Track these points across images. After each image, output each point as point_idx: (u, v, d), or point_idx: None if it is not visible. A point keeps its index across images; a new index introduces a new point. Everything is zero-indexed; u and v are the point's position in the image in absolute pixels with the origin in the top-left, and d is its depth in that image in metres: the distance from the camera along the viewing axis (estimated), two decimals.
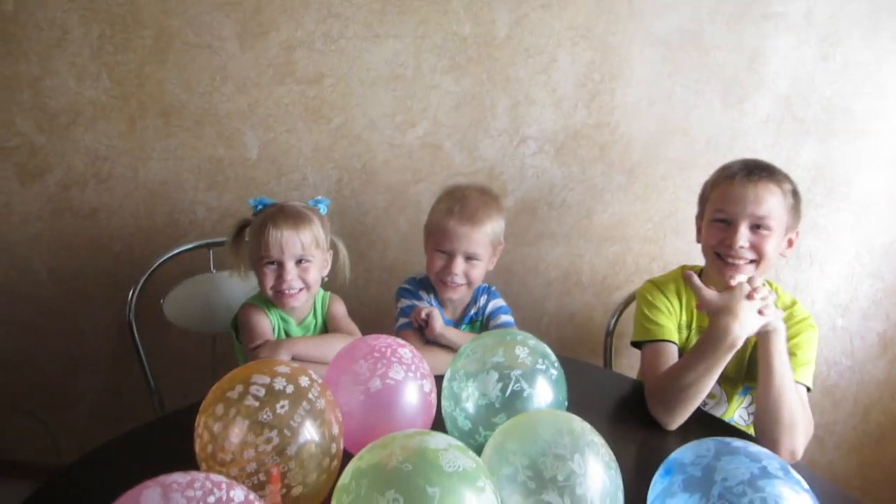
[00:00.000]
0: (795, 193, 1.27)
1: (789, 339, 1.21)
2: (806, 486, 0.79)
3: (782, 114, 1.64)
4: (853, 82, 1.61)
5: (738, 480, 0.77)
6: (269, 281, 1.28)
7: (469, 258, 1.36)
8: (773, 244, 1.23)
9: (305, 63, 1.62)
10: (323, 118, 1.65)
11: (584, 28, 1.60)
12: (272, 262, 1.28)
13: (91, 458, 1.01)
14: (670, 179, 1.69)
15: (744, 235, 1.23)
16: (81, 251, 1.78)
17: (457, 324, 1.46)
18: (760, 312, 1.13)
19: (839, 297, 1.80)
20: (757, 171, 1.25)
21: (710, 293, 1.17)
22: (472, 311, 1.46)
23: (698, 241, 1.37)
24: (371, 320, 1.79)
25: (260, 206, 1.33)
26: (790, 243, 1.29)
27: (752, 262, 1.24)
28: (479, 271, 1.38)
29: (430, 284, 1.45)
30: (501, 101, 1.64)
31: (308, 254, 1.29)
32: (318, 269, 1.32)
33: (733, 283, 1.18)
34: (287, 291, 1.28)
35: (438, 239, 1.36)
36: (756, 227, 1.23)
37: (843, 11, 1.57)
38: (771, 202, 1.23)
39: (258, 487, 0.81)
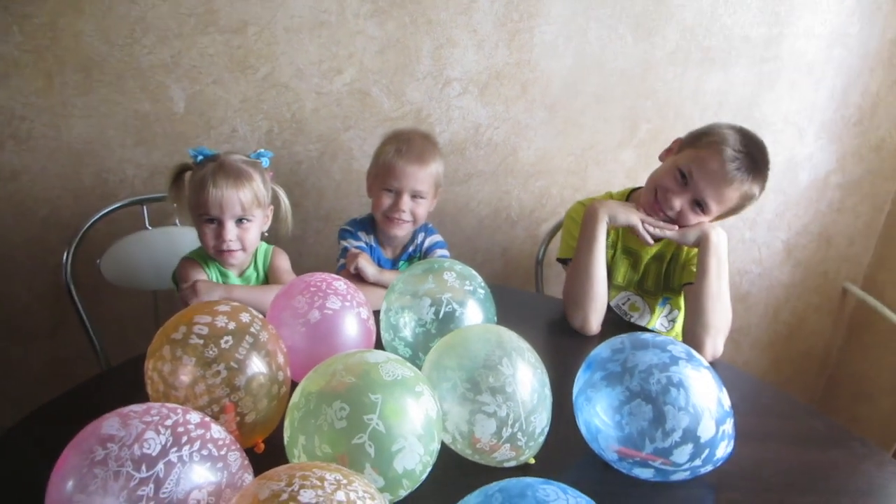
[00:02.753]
0: (754, 198, 1.31)
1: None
2: (706, 364, 0.91)
3: (688, 45, 1.74)
4: (751, 11, 1.72)
5: (647, 365, 0.88)
6: (209, 239, 1.28)
7: (415, 196, 1.43)
8: (697, 220, 1.32)
9: (228, 11, 1.60)
10: (249, 68, 1.65)
11: None
12: (212, 220, 1.27)
13: (41, 413, 1.02)
14: (588, 113, 1.78)
15: (682, 200, 1.30)
16: (6, 217, 1.72)
17: (396, 261, 1.53)
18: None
19: (746, 212, 1.94)
20: (745, 160, 1.26)
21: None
22: (411, 249, 1.53)
23: (661, 158, 1.41)
24: (310, 269, 1.80)
25: (200, 157, 1.30)
26: (714, 219, 1.36)
27: (672, 221, 1.33)
28: (423, 209, 1.46)
29: (371, 225, 1.51)
30: (425, 44, 1.67)
31: (248, 213, 1.28)
32: (258, 227, 1.32)
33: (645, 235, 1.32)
34: (226, 250, 1.29)
35: (386, 178, 1.42)
36: (698, 203, 1.30)
37: None
38: (727, 197, 1.28)
39: (213, 420, 0.87)
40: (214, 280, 1.35)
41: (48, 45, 1.57)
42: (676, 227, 1.31)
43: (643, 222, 1.32)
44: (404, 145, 1.41)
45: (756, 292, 2.08)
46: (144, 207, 1.57)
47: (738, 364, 2.16)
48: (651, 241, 1.33)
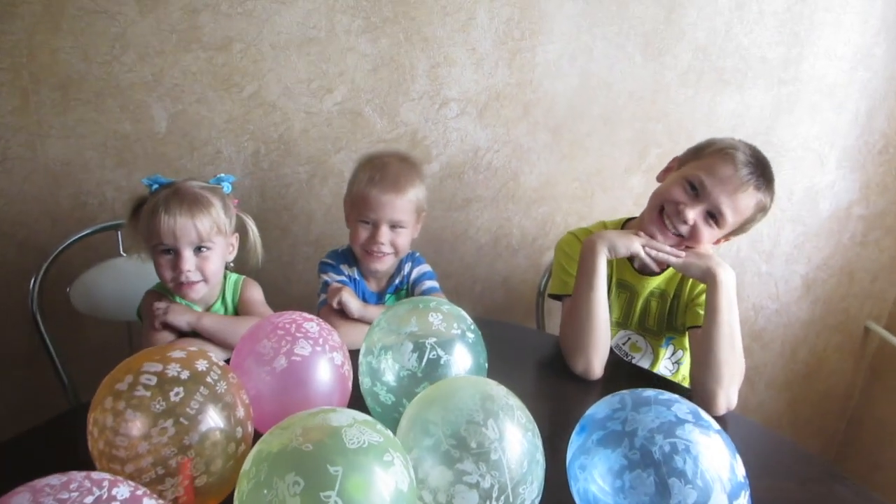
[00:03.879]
0: (764, 211, 1.23)
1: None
2: (717, 427, 0.80)
3: (701, 65, 1.64)
4: (768, 30, 1.62)
5: (649, 429, 0.77)
6: (165, 271, 1.18)
7: (394, 226, 1.32)
8: (711, 236, 1.22)
9: (212, 28, 1.52)
10: (234, 86, 1.57)
11: None
12: (168, 251, 1.18)
13: None
14: (595, 136, 1.68)
15: (697, 212, 1.20)
16: None
17: (381, 294, 1.43)
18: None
19: (763, 244, 1.85)
20: (755, 169, 1.18)
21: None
22: (397, 281, 1.42)
23: (659, 179, 1.32)
24: (300, 297, 1.74)
25: (155, 186, 1.21)
26: (718, 242, 1.27)
27: (681, 238, 1.22)
28: (404, 239, 1.35)
29: (353, 257, 1.40)
30: (420, 62, 1.58)
31: (207, 241, 1.18)
32: (219, 256, 1.22)
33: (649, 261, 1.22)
34: (185, 281, 1.18)
35: (361, 209, 1.31)
36: (712, 215, 1.20)
37: None
38: (742, 206, 1.19)
39: (159, 482, 0.76)
40: None
41: (24, 62, 1.50)
42: (682, 254, 1.20)
43: (644, 247, 1.21)
44: (378, 173, 1.30)
45: (772, 329, 1.96)
46: (119, 233, 1.49)
47: (753, 405, 2.04)
48: (657, 267, 1.24)
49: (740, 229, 1.25)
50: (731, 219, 1.19)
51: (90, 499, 0.61)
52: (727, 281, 1.15)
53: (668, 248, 1.20)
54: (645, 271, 1.33)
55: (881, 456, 1.98)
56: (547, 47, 1.60)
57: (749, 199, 1.18)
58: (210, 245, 1.19)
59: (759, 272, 1.88)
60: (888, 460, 1.96)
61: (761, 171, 1.19)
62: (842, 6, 1.63)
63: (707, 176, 1.18)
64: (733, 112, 1.69)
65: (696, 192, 1.19)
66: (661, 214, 1.23)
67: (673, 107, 1.67)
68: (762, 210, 1.22)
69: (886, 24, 1.64)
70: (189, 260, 1.17)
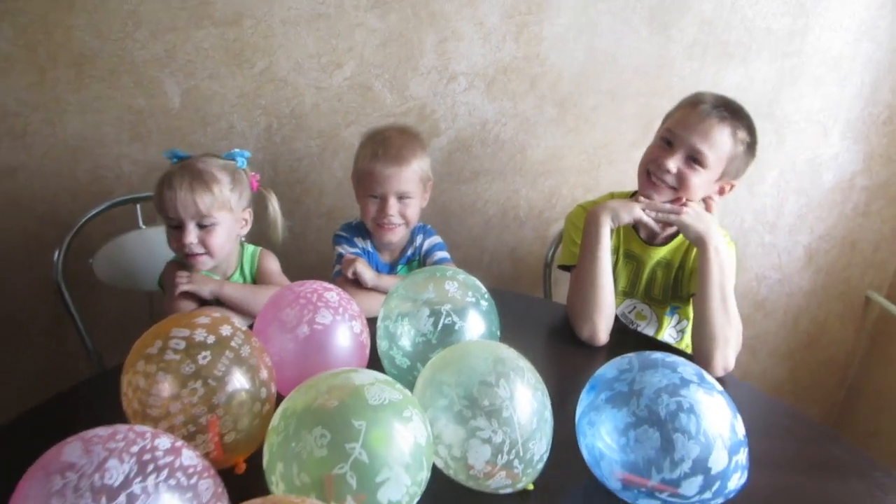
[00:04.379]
0: (750, 147, 1.26)
1: None
2: (720, 388, 0.84)
3: (707, 38, 1.65)
4: (775, 1, 1.63)
5: (656, 388, 0.81)
6: (172, 244, 1.24)
7: (402, 197, 1.36)
8: (700, 181, 1.25)
9: (222, 4, 1.54)
10: (246, 62, 1.59)
11: None
12: (173, 224, 1.23)
13: (24, 419, 1.00)
14: (601, 109, 1.70)
15: (676, 160, 1.24)
16: (3, 215, 1.70)
17: (394, 265, 1.47)
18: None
19: (766, 215, 1.88)
20: (720, 108, 1.23)
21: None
22: (409, 252, 1.46)
23: None
24: (311, 268, 1.78)
25: (174, 160, 1.26)
26: (721, 191, 1.30)
27: (672, 189, 1.26)
28: (413, 210, 1.39)
29: (366, 230, 1.44)
30: (428, 37, 1.60)
31: (209, 217, 1.22)
32: (225, 232, 1.25)
33: (650, 222, 1.26)
34: (189, 253, 1.23)
35: (368, 184, 1.35)
36: (692, 159, 1.24)
37: None
38: (716, 140, 1.22)
39: (190, 438, 0.82)
40: None
41: (40, 39, 1.53)
42: (682, 210, 1.23)
43: (645, 210, 1.25)
44: (380, 147, 1.33)
45: (775, 299, 1.99)
46: (138, 206, 1.53)
47: (755, 373, 2.09)
48: (660, 228, 1.28)
49: (732, 169, 1.27)
50: (710, 155, 1.23)
51: (135, 448, 0.66)
52: (717, 244, 1.19)
53: (667, 206, 1.24)
54: (653, 241, 1.37)
55: (879, 423, 2.03)
56: (553, 21, 1.61)
57: (720, 132, 1.22)
58: (213, 220, 1.22)
59: (762, 242, 1.91)
60: (885, 427, 2.01)
61: (726, 106, 1.24)
62: None
63: (676, 126, 1.25)
64: (738, 85, 1.70)
65: (671, 143, 1.25)
66: (649, 176, 1.28)
67: (677, 80, 1.68)
68: (743, 143, 1.25)
69: None
70: (191, 233, 1.21)
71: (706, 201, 1.29)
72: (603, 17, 1.62)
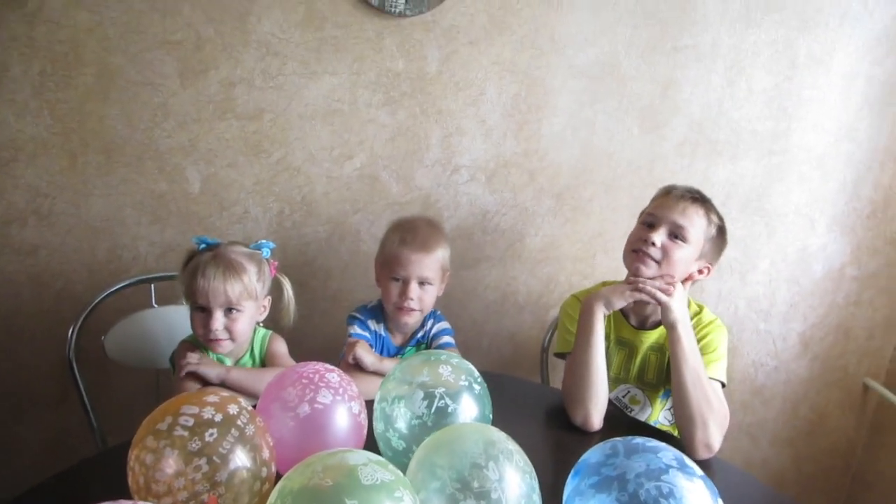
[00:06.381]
0: (721, 230, 1.37)
1: (699, 340, 1.31)
2: (700, 473, 0.87)
3: (696, 137, 1.76)
4: (758, 106, 1.75)
5: (637, 473, 0.84)
6: (198, 327, 1.30)
7: (422, 283, 1.44)
8: (682, 255, 1.32)
9: (245, 99, 1.67)
10: (263, 152, 1.70)
11: (510, 62, 1.69)
12: (202, 309, 1.29)
13: (29, 495, 1.02)
14: (596, 201, 1.79)
15: (660, 235, 1.32)
16: (23, 289, 1.76)
17: (403, 346, 1.52)
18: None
19: (760, 303, 1.93)
20: (692, 194, 1.37)
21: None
22: (420, 335, 1.53)
23: None
24: (315, 350, 1.81)
25: (203, 245, 1.33)
26: (700, 272, 1.38)
27: (657, 263, 1.32)
28: (430, 296, 1.47)
29: (381, 313, 1.52)
30: (434, 132, 1.72)
31: (237, 305, 1.29)
32: (248, 319, 1.32)
33: (640, 295, 1.29)
34: (213, 338, 1.29)
35: (393, 267, 1.43)
36: (674, 235, 1.32)
37: (745, 42, 1.71)
38: (694, 218, 1.33)
39: None
40: None
41: (75, 127, 1.64)
42: (669, 291, 1.28)
43: (635, 291, 1.30)
44: (409, 234, 1.43)
45: (772, 385, 2.01)
46: (153, 286, 1.60)
47: (758, 461, 2.07)
48: (651, 298, 1.30)
49: (708, 251, 1.36)
50: (690, 230, 1.31)
51: None
52: (689, 332, 1.26)
53: (656, 284, 1.30)
54: (643, 326, 1.42)
55: None
56: (552, 120, 1.73)
57: (695, 211, 1.33)
58: (240, 308, 1.29)
59: (757, 330, 1.95)
60: None
61: (697, 193, 1.37)
62: (827, 85, 1.75)
63: (656, 209, 1.36)
64: (727, 180, 1.80)
65: (653, 224, 1.34)
66: (636, 253, 1.35)
67: (669, 175, 1.78)
68: (715, 225, 1.35)
69: (868, 101, 1.76)
70: (218, 320, 1.28)
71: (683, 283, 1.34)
72: (598, 116, 1.74)
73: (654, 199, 1.42)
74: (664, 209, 1.35)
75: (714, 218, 1.36)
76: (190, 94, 1.66)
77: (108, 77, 1.64)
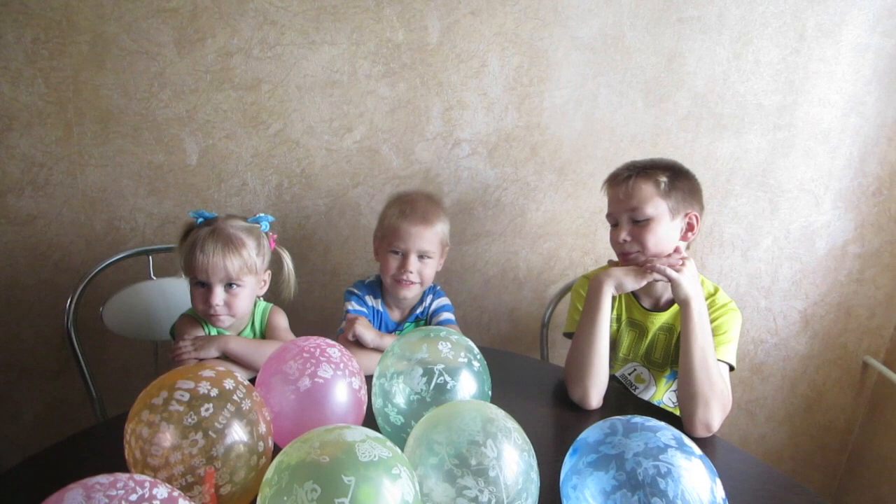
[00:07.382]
0: (675, 176, 1.33)
1: (711, 321, 1.29)
2: (699, 452, 0.87)
3: (700, 111, 1.73)
4: (764, 79, 1.71)
5: (635, 452, 0.84)
6: (198, 302, 1.29)
7: (422, 256, 1.43)
8: (655, 231, 1.31)
9: (243, 69, 1.64)
10: (261, 124, 1.68)
11: (513, 34, 1.66)
12: (202, 283, 1.28)
13: (28, 465, 1.02)
14: (598, 176, 1.76)
15: (625, 229, 1.33)
16: (20, 259, 1.76)
17: (402, 322, 1.52)
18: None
19: (762, 280, 1.91)
20: (628, 171, 1.35)
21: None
22: (419, 311, 1.52)
23: None
24: (315, 323, 1.83)
25: (200, 220, 1.32)
26: (690, 227, 1.35)
27: (640, 252, 1.32)
28: (430, 270, 1.46)
29: (378, 288, 1.51)
30: (435, 105, 1.69)
31: (236, 280, 1.28)
32: (248, 293, 1.32)
33: (655, 275, 1.28)
34: (213, 314, 1.29)
35: (392, 240, 1.43)
36: (634, 221, 1.32)
37: (752, 14, 1.66)
38: (641, 192, 1.31)
39: (187, 489, 0.85)
40: None
41: (70, 96, 1.62)
42: (680, 268, 1.26)
43: (647, 272, 1.29)
44: (408, 207, 1.42)
45: (772, 363, 2.01)
46: (150, 258, 1.59)
47: (755, 437, 2.08)
48: (662, 276, 1.28)
49: (681, 200, 1.32)
50: (645, 206, 1.30)
51: (134, 496, 0.69)
52: (701, 310, 1.24)
53: (666, 261, 1.28)
54: (656, 307, 1.41)
55: (882, 490, 2.01)
56: (554, 93, 1.70)
57: (637, 187, 1.32)
58: (240, 283, 1.29)
59: (758, 307, 1.94)
60: (889, 494, 1.98)
61: (634, 166, 1.36)
62: (835, 58, 1.72)
63: (609, 206, 1.39)
64: (731, 155, 1.77)
65: (615, 222, 1.37)
66: (622, 255, 1.37)
67: (673, 150, 1.76)
68: (665, 181, 1.31)
69: (877, 74, 1.73)
70: (218, 295, 1.28)
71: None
72: (601, 89, 1.70)
73: (605, 194, 1.42)
74: (614, 203, 1.36)
75: (660, 177, 1.32)
76: (186, 63, 1.63)
77: (102, 45, 1.61)
